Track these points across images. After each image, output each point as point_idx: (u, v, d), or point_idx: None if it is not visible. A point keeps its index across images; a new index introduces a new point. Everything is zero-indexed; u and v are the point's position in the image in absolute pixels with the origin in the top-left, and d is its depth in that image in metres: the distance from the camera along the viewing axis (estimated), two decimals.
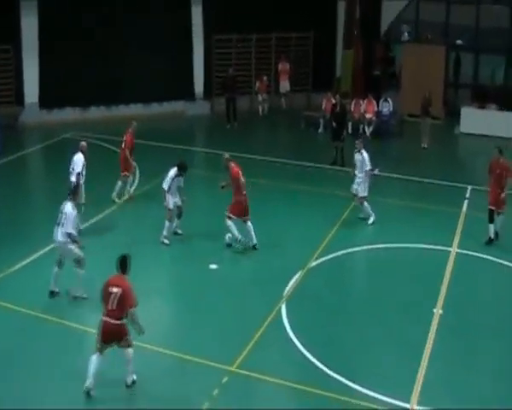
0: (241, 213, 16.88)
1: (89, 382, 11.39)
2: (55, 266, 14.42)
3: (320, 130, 27.89)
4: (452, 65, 31.75)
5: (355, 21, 30.13)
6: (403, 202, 20.93)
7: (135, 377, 11.81)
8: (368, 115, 27.57)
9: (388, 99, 27.76)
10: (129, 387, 11.74)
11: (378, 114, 27.62)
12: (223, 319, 14.14)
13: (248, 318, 14.10)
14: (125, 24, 28.26)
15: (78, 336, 13.36)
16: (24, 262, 15.87)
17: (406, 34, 31.32)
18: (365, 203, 18.86)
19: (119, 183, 19.94)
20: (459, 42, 30.83)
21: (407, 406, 11.44)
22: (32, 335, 13.33)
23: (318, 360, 12.57)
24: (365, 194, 18.84)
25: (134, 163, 20.29)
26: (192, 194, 18.57)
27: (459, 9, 30.47)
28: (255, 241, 17.02)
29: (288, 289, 15.22)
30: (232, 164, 17.04)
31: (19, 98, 28.19)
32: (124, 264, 11.75)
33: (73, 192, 14.71)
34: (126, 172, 19.97)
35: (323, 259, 16.70)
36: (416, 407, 11.44)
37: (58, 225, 14.21)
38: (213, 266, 16.24)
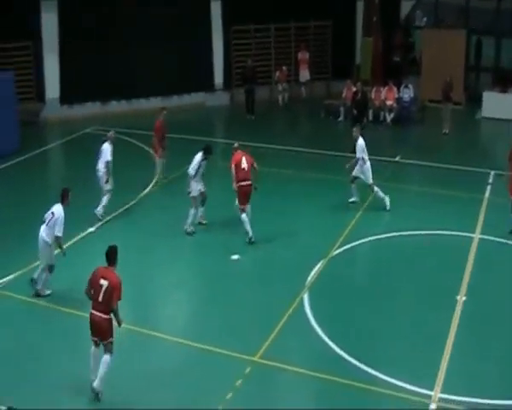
0: (243, 200, 16.85)
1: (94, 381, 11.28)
2: (45, 272, 14.30)
3: (340, 118, 27.80)
4: (473, 49, 31.46)
5: (374, 8, 29.93)
6: (424, 189, 20.81)
7: (101, 390, 11.18)
8: (388, 102, 27.43)
9: (409, 85, 27.62)
10: (93, 392, 11.18)
11: (399, 100, 27.47)
12: (245, 310, 14.17)
13: (271, 308, 14.09)
14: (144, 17, 28.31)
15: None
16: None
17: (424, 19, 31.09)
18: (375, 188, 18.80)
19: (156, 165, 20.87)
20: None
21: (430, 393, 11.39)
22: (55, 328, 13.47)
23: (341, 349, 12.55)
24: (370, 182, 18.83)
25: (161, 152, 20.80)
26: (213, 185, 18.65)
27: None
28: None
29: (310, 278, 15.21)
30: (235, 153, 17.10)
31: (40, 94, 28.40)
32: (111, 256, 11.35)
33: (63, 195, 14.31)
34: (157, 156, 20.77)
35: (345, 247, 16.67)
36: (439, 394, 11.40)
37: (44, 222, 14.14)
38: (235, 257, 16.26)
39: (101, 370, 11.16)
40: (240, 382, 11.74)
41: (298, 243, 17.05)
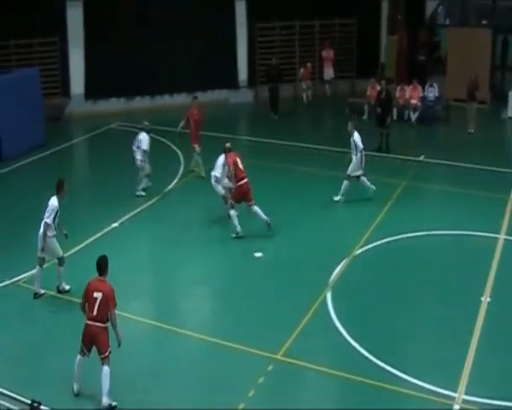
0: (239, 198, 17.02)
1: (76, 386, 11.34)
2: (57, 267, 14.45)
3: (364, 116, 27.67)
4: (499, 48, 31.20)
5: (399, 6, 29.79)
6: (449, 189, 20.66)
7: (114, 404, 11.04)
8: (413, 101, 27.25)
9: (434, 84, 27.43)
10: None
11: (423, 99, 27.30)
12: (268, 307, 14.16)
13: (294, 306, 14.08)
14: (168, 14, 28.33)
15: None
16: (72, 251, 16.12)
17: (444, 18, 30.90)
18: (346, 182, 18.88)
19: (195, 157, 21.20)
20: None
21: (454, 395, 11.33)
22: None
23: (364, 348, 12.52)
24: (349, 173, 19.00)
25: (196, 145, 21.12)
26: None
27: None
28: (266, 218, 17.03)
29: (333, 277, 15.18)
30: (229, 154, 17.32)
31: (65, 90, 28.58)
32: (102, 266, 11.28)
33: (58, 186, 14.23)
34: (195, 145, 21.01)
35: (369, 246, 16.61)
36: (462, 396, 11.33)
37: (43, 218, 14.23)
38: (258, 254, 16.27)
39: (104, 385, 11.02)
40: (262, 379, 11.76)
41: (321, 242, 17.02)
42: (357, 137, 19.07)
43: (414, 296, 14.55)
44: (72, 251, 15.96)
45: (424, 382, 11.57)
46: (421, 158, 22.81)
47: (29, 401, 10.73)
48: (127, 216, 18.18)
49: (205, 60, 29.24)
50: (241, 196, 17.05)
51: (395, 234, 17.16)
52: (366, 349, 12.48)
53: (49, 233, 14.13)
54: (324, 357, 12.55)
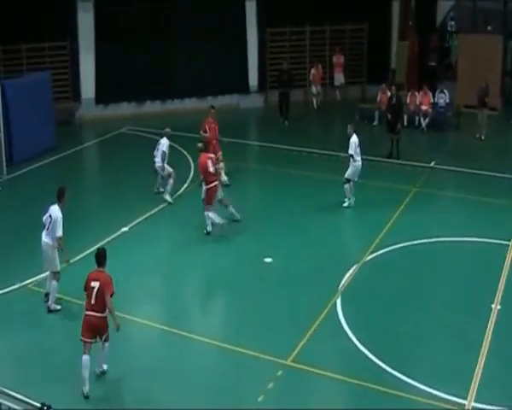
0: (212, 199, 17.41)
1: (86, 389, 11.40)
2: (52, 281, 14.03)
3: (375, 122, 27.64)
4: (510, 54, 31.08)
5: (410, 12, 29.75)
6: (460, 195, 20.61)
7: (105, 367, 11.95)
8: (423, 107, 27.20)
9: (444, 90, 27.39)
10: (102, 373, 11.90)
11: (434, 105, 27.24)
12: (277, 313, 14.14)
13: (303, 311, 14.07)
14: (179, 19, 28.44)
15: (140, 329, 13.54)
16: (79, 256, 16.14)
17: (452, 23, 30.88)
18: (346, 186, 18.92)
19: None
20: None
21: (464, 402, 11.29)
22: None
23: (374, 354, 12.49)
24: (347, 177, 18.99)
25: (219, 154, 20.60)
26: (246, 187, 18.65)
27: None
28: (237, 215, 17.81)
29: (343, 282, 15.15)
30: (201, 155, 17.49)
31: (76, 94, 28.66)
32: (99, 258, 11.69)
33: (59, 195, 14.04)
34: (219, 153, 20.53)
35: (379, 252, 16.57)
36: (472, 403, 11.28)
37: (44, 228, 13.95)
38: (268, 260, 16.26)
39: (106, 354, 11.78)
40: (271, 385, 11.74)
41: (331, 247, 17.01)
42: (353, 141, 18.95)
43: (424, 303, 14.50)
44: (82, 255, 15.96)
45: (434, 389, 11.53)
46: (432, 164, 22.75)
47: (39, 405, 10.71)
48: (137, 220, 18.21)
49: (215, 64, 29.28)
50: (213, 197, 17.40)
51: (406, 240, 17.11)
52: (376, 355, 12.44)
53: (54, 244, 13.89)
54: (334, 363, 12.53)
